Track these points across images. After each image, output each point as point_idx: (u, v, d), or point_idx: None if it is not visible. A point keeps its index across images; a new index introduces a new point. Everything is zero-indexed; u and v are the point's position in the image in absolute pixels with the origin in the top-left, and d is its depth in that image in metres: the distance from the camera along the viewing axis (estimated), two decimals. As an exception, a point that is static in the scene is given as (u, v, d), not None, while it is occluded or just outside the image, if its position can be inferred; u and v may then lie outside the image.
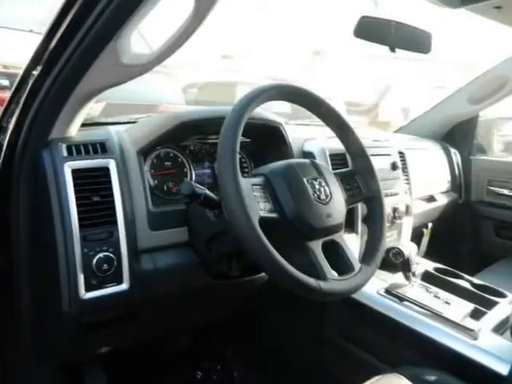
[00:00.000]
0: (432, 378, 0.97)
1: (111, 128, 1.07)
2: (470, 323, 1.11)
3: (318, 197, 0.92)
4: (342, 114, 1.04)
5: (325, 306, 1.31)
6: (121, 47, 0.82)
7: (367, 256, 0.98)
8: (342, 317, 1.28)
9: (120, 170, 0.96)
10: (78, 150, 0.95)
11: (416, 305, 1.16)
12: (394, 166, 1.54)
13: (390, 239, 1.50)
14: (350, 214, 1.30)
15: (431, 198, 1.94)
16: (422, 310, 1.15)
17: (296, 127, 1.54)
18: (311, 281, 0.82)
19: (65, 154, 0.93)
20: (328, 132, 1.09)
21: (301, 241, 0.88)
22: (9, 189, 0.96)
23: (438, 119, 2.16)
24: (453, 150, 2.14)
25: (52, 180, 0.91)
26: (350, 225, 1.32)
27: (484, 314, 1.17)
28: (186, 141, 1.17)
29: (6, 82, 2.89)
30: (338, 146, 1.10)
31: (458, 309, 1.16)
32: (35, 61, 0.87)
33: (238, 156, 0.83)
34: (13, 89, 0.94)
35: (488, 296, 1.26)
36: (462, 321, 1.11)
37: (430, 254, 1.83)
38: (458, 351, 1.03)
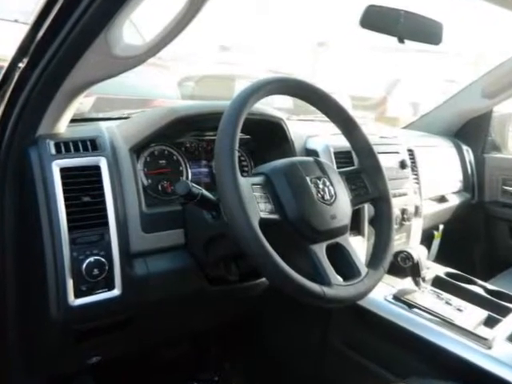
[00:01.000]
0: (443, 389, 0.97)
1: (102, 124, 1.07)
2: (484, 331, 1.11)
3: (322, 197, 0.92)
4: (347, 109, 1.04)
5: (329, 313, 1.31)
6: (112, 38, 0.82)
7: (374, 260, 0.98)
8: (347, 325, 1.28)
9: (111, 169, 0.96)
10: (66, 147, 0.95)
11: (426, 312, 1.16)
12: (402, 165, 1.54)
13: (398, 242, 1.50)
14: (356, 216, 1.30)
15: (442, 199, 1.93)
16: (433, 318, 1.15)
17: (298, 123, 1.54)
18: (315, 286, 0.82)
19: (53, 151, 0.93)
20: (332, 128, 1.09)
21: (303, 244, 0.88)
22: (-7, 189, 0.96)
23: (450, 115, 2.15)
24: (465, 148, 2.14)
25: (39, 179, 0.91)
26: (355, 227, 1.32)
27: (498, 321, 1.17)
28: (182, 138, 1.17)
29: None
30: (343, 143, 1.10)
31: (471, 316, 1.16)
32: (21, 53, 0.87)
33: (236, 154, 0.83)
34: (-3, 82, 0.94)
35: (503, 303, 1.26)
36: (475, 329, 1.11)
37: (440, 258, 1.83)
38: (471, 361, 1.03)
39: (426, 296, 1.24)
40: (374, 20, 1.27)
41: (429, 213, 1.74)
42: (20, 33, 0.86)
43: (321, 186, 0.93)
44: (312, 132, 1.36)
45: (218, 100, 1.20)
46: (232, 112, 0.86)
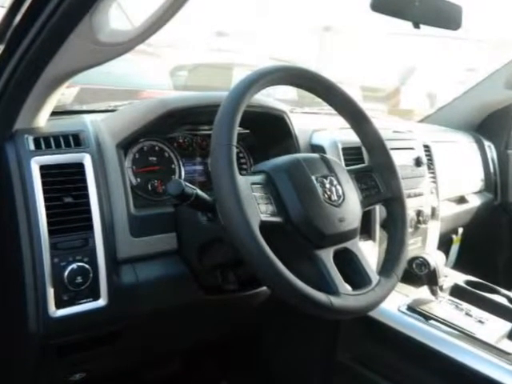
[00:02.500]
0: (463, 409, 0.97)
1: (86, 117, 1.07)
2: (508, 345, 1.11)
3: (329, 198, 0.92)
4: (356, 100, 1.04)
5: (337, 325, 1.31)
6: (97, 22, 0.82)
7: (387, 267, 0.98)
8: (357, 339, 1.29)
9: (96, 167, 0.97)
10: (47, 142, 0.95)
11: (444, 324, 1.17)
12: (418, 162, 1.54)
13: (413, 247, 1.50)
14: (367, 218, 1.31)
15: (462, 199, 1.94)
16: (451, 330, 1.15)
17: (303, 116, 1.55)
18: (321, 296, 0.82)
19: (32, 147, 0.93)
20: (341, 122, 1.09)
21: (308, 249, 0.88)
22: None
23: (470, 107, 2.16)
24: (487, 143, 2.14)
25: (17, 178, 0.91)
26: (366, 230, 1.32)
27: (524, 335, 1.18)
28: (174, 132, 1.17)
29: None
30: (352, 138, 1.10)
31: (493, 329, 1.17)
32: (-3, 38, 0.87)
33: (235, 150, 0.83)
34: (-29, 71, 0.94)
35: (528, 314, 1.26)
36: (497, 343, 1.11)
37: (460, 265, 1.83)
38: (493, 378, 1.03)
39: (443, 306, 1.25)
40: (387, 2, 1.27)
41: (447, 215, 1.75)
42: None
43: (328, 186, 0.93)
44: (318, 126, 1.36)
45: (214, 91, 1.21)
46: (229, 104, 0.86)
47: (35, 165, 0.91)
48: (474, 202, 2.00)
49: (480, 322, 1.19)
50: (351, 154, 1.32)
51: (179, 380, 1.57)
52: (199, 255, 1.02)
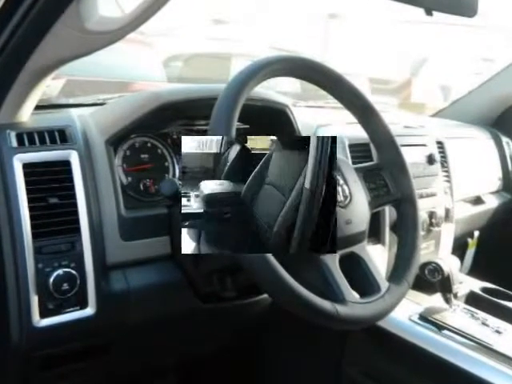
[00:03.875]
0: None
1: (73, 111, 1.08)
2: (527, 358, 1.11)
3: (335, 198, 0.92)
4: (365, 93, 1.05)
5: (344, 336, 1.31)
6: (85, 9, 0.82)
7: (397, 273, 0.99)
8: (365, 350, 1.29)
9: (84, 165, 0.97)
10: (30, 138, 0.95)
11: (458, 334, 1.17)
12: (430, 160, 1.54)
13: (425, 252, 1.50)
14: (376, 220, 1.31)
15: (478, 200, 1.94)
16: (466, 341, 1.15)
17: (307, 110, 1.55)
18: (326, 304, 0.82)
19: (14, 143, 0.93)
20: (347, 116, 1.09)
21: (312, 254, 0.88)
22: None
23: (487, 100, 2.16)
24: (505, 139, 2.14)
25: (-2, 177, 0.91)
26: (374, 233, 1.32)
27: (545, 346, 1.18)
28: (168, 127, 1.17)
29: None
30: (359, 134, 1.11)
31: (512, 340, 1.17)
32: (-23, 26, 0.87)
33: (233, 146, 0.83)
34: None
35: (549, 324, 1.26)
36: (516, 355, 1.11)
37: (476, 271, 1.83)
38: (512, 393, 1.03)
39: (458, 315, 1.25)
40: (397, -13, 1.27)
41: (462, 217, 1.75)
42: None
43: (333, 185, 0.93)
44: (323, 121, 1.37)
45: (211, 83, 1.21)
46: (228, 97, 0.86)
47: (18, 162, 0.91)
48: (491, 202, 2.00)
49: (497, 332, 1.19)
50: (359, 151, 1.32)
51: None
52: (195, 260, 1.02)
